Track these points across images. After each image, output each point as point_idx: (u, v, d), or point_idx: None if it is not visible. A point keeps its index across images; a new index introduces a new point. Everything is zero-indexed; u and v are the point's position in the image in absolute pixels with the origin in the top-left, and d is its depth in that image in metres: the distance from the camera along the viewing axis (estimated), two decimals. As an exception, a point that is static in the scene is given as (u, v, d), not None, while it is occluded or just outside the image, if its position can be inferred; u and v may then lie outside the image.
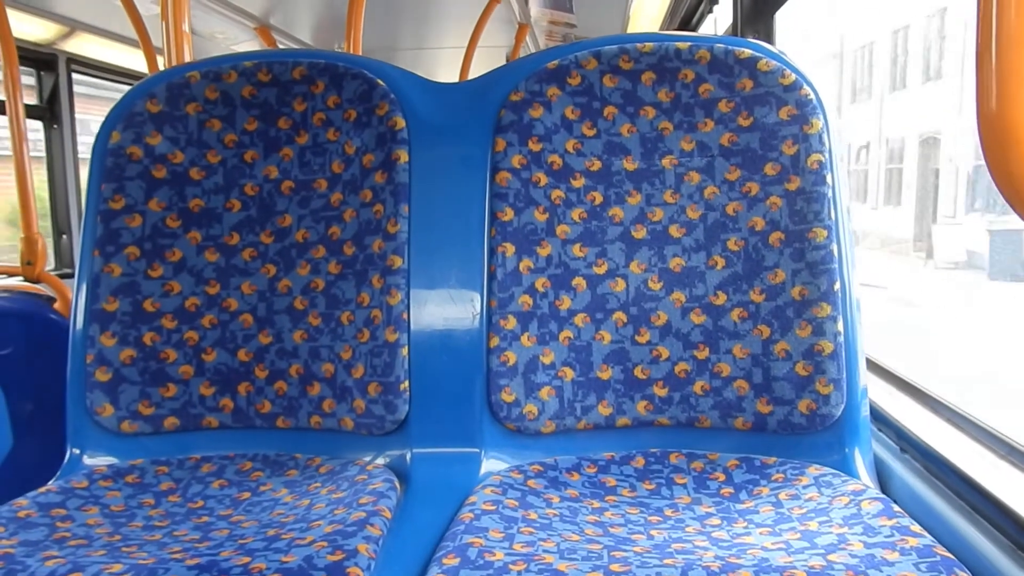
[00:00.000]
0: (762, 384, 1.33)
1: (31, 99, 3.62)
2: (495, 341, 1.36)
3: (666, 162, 1.42)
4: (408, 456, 1.35)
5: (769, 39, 2.31)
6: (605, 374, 1.38)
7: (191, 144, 1.48)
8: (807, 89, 1.37)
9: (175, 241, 1.46)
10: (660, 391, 1.37)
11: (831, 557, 0.98)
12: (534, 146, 1.42)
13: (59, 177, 3.71)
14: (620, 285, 1.40)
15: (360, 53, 2.30)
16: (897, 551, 0.97)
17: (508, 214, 1.40)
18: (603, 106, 1.43)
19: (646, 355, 1.38)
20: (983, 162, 0.71)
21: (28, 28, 3.37)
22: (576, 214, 1.41)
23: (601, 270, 1.40)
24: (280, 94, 1.49)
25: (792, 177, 1.35)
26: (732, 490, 1.26)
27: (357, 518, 1.10)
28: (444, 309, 1.39)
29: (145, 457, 1.39)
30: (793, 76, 1.38)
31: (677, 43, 1.42)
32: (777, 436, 1.33)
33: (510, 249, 1.39)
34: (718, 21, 3.26)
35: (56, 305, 2.23)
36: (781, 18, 2.28)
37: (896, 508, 1.09)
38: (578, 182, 1.42)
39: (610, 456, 1.35)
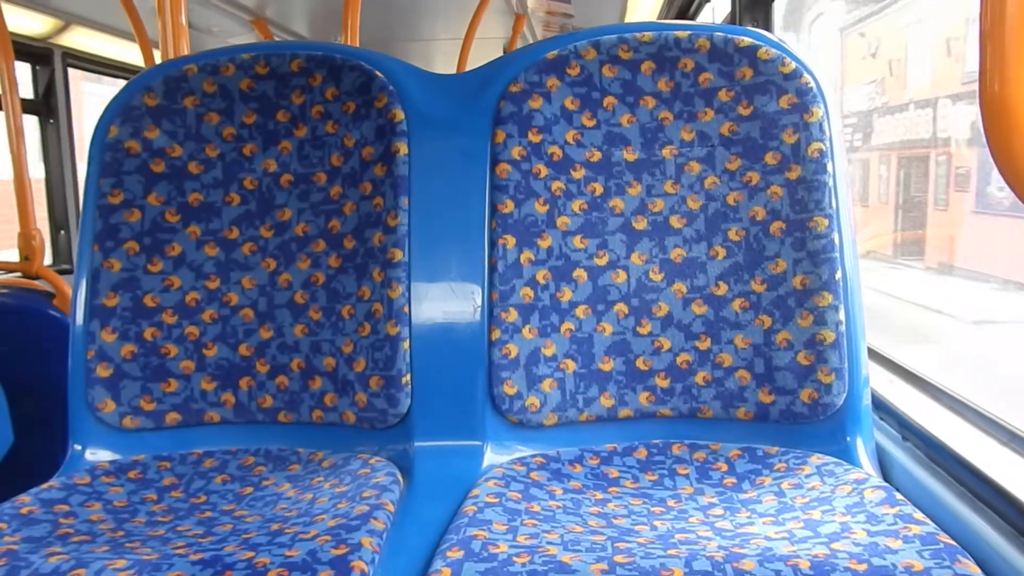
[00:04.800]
0: (764, 374, 1.33)
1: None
2: (496, 334, 1.36)
3: (666, 152, 1.41)
4: (410, 449, 1.35)
5: (768, 27, 2.31)
6: (607, 366, 1.38)
7: (189, 138, 1.48)
8: (807, 77, 1.37)
9: (174, 236, 1.46)
10: (662, 382, 1.37)
11: (834, 546, 0.98)
12: (534, 137, 1.41)
13: (56, 172, 3.70)
14: (621, 276, 1.40)
15: (357, 45, 2.29)
16: (900, 539, 0.97)
17: (508, 206, 1.39)
18: (603, 96, 1.43)
19: (648, 346, 1.38)
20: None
21: (23, 22, 3.35)
22: (576, 205, 1.41)
23: (602, 261, 1.40)
24: (278, 87, 1.48)
25: (793, 166, 1.35)
26: (735, 480, 1.26)
27: (360, 512, 1.10)
28: (445, 302, 1.38)
29: (147, 452, 1.39)
30: (793, 64, 1.37)
31: (676, 32, 1.41)
32: (779, 426, 1.33)
33: (511, 241, 1.39)
34: (716, 9, 3.24)
35: (55, 301, 2.22)
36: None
37: (899, 496, 1.09)
38: (578, 173, 1.42)
39: (612, 447, 1.35)
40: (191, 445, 1.42)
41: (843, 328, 1.31)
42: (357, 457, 1.35)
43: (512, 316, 1.37)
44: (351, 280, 1.42)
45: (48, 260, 3.51)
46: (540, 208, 1.40)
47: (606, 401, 1.37)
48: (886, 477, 1.28)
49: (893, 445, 1.32)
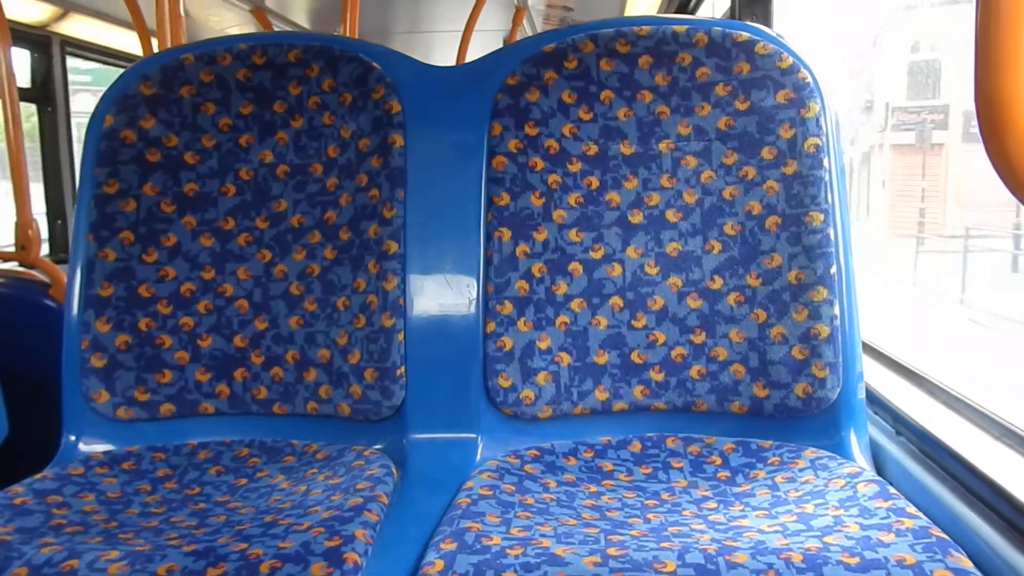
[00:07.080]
0: (758, 368, 1.33)
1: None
2: (491, 326, 1.36)
3: (663, 146, 1.41)
4: (405, 442, 1.35)
5: (767, 22, 2.30)
6: (602, 359, 1.38)
7: (185, 128, 1.47)
8: (804, 72, 1.36)
9: (170, 226, 1.45)
10: (657, 376, 1.37)
11: (827, 539, 0.98)
12: (531, 130, 1.41)
13: (53, 161, 3.68)
14: (617, 270, 1.39)
15: (356, 36, 2.29)
16: (893, 533, 0.98)
17: (504, 199, 1.39)
18: (600, 90, 1.42)
19: (643, 340, 1.38)
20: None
21: (21, 9, 3.34)
22: (573, 199, 1.41)
23: (598, 255, 1.40)
24: (275, 77, 1.48)
25: (789, 161, 1.35)
26: (728, 474, 1.26)
27: (354, 504, 1.10)
28: (440, 294, 1.38)
29: (141, 443, 1.39)
30: (791, 59, 1.37)
31: (674, 26, 1.41)
32: (773, 420, 1.33)
33: (506, 234, 1.38)
34: (716, 5, 3.23)
35: (51, 290, 2.22)
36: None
37: (892, 490, 1.10)
38: (575, 166, 1.42)
39: (607, 441, 1.35)
40: (185, 436, 1.42)
41: (838, 323, 1.31)
42: (351, 449, 1.35)
43: (507, 309, 1.37)
44: (346, 272, 1.42)
45: (45, 250, 3.50)
46: (536, 201, 1.40)
47: (600, 394, 1.37)
48: (879, 471, 1.28)
49: (887, 439, 1.33)
